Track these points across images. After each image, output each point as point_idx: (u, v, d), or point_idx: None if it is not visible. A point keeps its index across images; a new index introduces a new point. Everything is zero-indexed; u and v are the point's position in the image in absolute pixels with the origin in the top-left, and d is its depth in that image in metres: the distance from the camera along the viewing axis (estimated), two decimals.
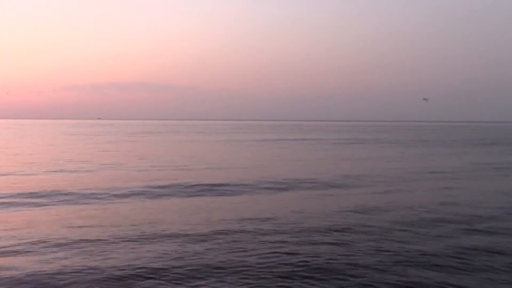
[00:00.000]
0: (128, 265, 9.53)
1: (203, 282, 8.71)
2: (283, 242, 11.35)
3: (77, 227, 12.80)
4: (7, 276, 8.94)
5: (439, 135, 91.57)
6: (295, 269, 9.43)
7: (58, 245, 10.94)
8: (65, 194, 17.91)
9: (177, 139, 68.28)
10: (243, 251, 10.61)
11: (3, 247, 10.83)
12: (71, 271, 9.20)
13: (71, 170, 26.19)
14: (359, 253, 10.48)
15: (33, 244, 11.06)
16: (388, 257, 10.23)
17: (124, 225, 13.04)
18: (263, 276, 9.04)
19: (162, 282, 8.72)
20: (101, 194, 17.98)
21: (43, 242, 11.21)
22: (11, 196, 17.51)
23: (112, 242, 11.21)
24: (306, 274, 9.15)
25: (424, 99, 59.23)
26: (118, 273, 9.11)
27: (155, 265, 9.56)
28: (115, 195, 17.83)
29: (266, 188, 20.09)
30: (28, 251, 10.52)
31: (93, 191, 18.56)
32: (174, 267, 9.46)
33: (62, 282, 8.67)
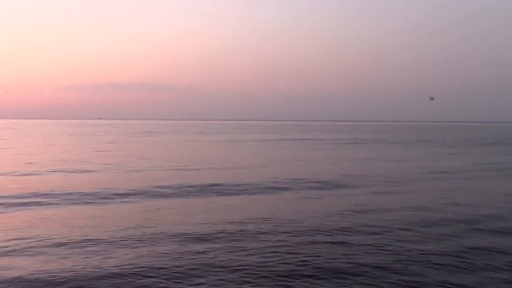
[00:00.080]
0: (129, 264, 9.53)
1: (203, 281, 8.72)
2: (283, 241, 11.36)
3: (78, 227, 12.80)
4: (7, 276, 8.95)
5: (439, 135, 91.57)
6: (296, 268, 9.43)
7: (58, 245, 10.95)
8: (65, 194, 17.91)
9: (177, 139, 68.28)
10: (244, 250, 10.61)
11: (3, 247, 10.83)
12: (71, 270, 9.21)
13: (71, 170, 26.19)
14: (360, 253, 10.49)
15: (33, 244, 11.07)
16: (388, 256, 10.24)
17: (124, 225, 13.04)
18: (264, 275, 9.05)
19: (162, 280, 8.73)
20: (101, 194, 17.98)
21: (43, 242, 11.22)
22: (11, 196, 17.51)
23: (112, 242, 11.22)
24: (306, 273, 9.16)
25: (431, 98, 58.50)
26: (118, 271, 9.11)
27: (155, 264, 9.56)
28: (115, 195, 17.83)
29: (266, 188, 20.09)
30: (29, 251, 10.52)
31: (93, 191, 18.56)
32: (174, 266, 9.47)
33: (63, 281, 8.68)
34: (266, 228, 12.67)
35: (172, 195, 18.08)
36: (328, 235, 12.04)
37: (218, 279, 8.80)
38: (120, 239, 11.45)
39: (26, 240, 11.30)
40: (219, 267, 9.48)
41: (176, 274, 9.05)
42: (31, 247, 10.79)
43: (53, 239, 11.43)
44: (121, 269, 9.29)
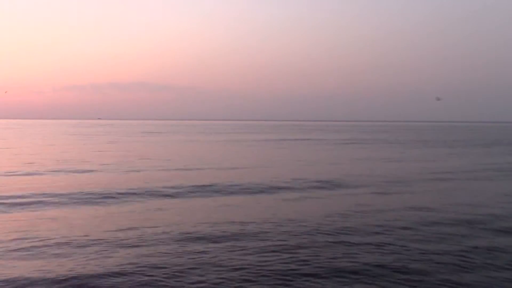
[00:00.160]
0: (129, 263, 9.54)
1: (203, 279, 8.73)
2: (284, 241, 11.36)
3: (78, 226, 12.81)
4: (8, 276, 8.96)
5: (439, 135, 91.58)
6: (296, 267, 9.44)
7: (59, 244, 10.96)
8: (66, 194, 17.92)
9: (177, 139, 68.30)
10: (244, 249, 10.62)
11: (4, 247, 10.84)
12: (72, 269, 9.21)
13: (71, 170, 26.20)
14: (360, 252, 10.49)
15: (34, 244, 11.07)
16: (388, 255, 10.24)
17: (124, 224, 13.05)
18: (264, 274, 9.05)
19: (163, 279, 8.74)
20: (101, 194, 17.98)
21: (44, 241, 11.22)
22: (12, 196, 17.51)
23: (113, 241, 11.22)
24: (307, 272, 9.17)
25: (438, 98, 58.31)
26: (119, 270, 9.12)
27: (155, 264, 9.57)
28: (116, 195, 17.83)
29: (266, 187, 20.09)
30: (29, 251, 10.52)
31: (93, 191, 18.56)
32: (174, 265, 9.47)
33: (63, 279, 8.68)
34: (267, 228, 12.67)
35: (172, 195, 18.08)
36: (328, 234, 12.05)
37: (219, 278, 8.81)
38: (120, 239, 11.46)
39: (27, 240, 11.31)
40: (219, 266, 9.49)
41: (176, 273, 9.06)
42: (31, 246, 10.79)
43: (53, 238, 11.43)
44: (122, 268, 9.30)
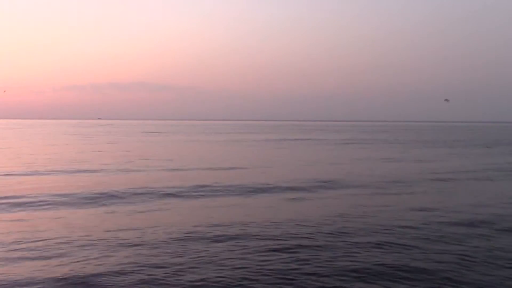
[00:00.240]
0: (129, 263, 9.55)
1: (203, 277, 8.73)
2: (284, 240, 11.37)
3: (78, 226, 12.82)
4: (10, 276, 8.97)
5: (439, 135, 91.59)
6: (296, 266, 9.45)
7: (59, 244, 10.96)
8: (66, 194, 17.92)
9: (177, 139, 68.30)
10: (244, 249, 10.62)
11: (5, 246, 10.84)
12: (73, 269, 9.22)
13: (71, 170, 26.21)
14: (360, 251, 10.50)
15: (34, 243, 11.08)
16: (389, 254, 10.25)
17: (125, 224, 13.06)
18: (264, 273, 9.06)
19: (163, 278, 8.74)
20: (101, 194, 17.98)
21: (44, 241, 11.23)
22: (12, 196, 17.52)
23: (113, 241, 11.23)
24: (307, 272, 9.17)
25: (446, 100, 58.10)
26: (119, 270, 9.13)
27: (156, 263, 9.58)
28: (116, 195, 17.84)
29: (266, 188, 20.10)
30: (30, 251, 10.53)
31: (93, 191, 18.57)
32: (175, 265, 9.48)
33: (64, 278, 8.70)
34: (267, 228, 12.68)
35: (172, 195, 18.09)
36: (328, 234, 12.05)
37: (219, 277, 8.82)
38: (121, 239, 11.46)
39: (27, 240, 11.32)
40: (220, 265, 9.49)
41: (177, 273, 9.06)
42: (32, 246, 10.80)
43: (54, 238, 11.44)
44: (122, 267, 9.30)
